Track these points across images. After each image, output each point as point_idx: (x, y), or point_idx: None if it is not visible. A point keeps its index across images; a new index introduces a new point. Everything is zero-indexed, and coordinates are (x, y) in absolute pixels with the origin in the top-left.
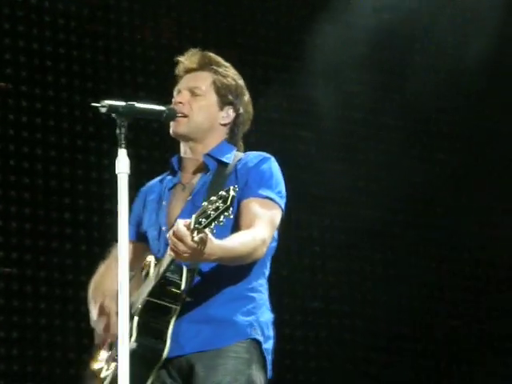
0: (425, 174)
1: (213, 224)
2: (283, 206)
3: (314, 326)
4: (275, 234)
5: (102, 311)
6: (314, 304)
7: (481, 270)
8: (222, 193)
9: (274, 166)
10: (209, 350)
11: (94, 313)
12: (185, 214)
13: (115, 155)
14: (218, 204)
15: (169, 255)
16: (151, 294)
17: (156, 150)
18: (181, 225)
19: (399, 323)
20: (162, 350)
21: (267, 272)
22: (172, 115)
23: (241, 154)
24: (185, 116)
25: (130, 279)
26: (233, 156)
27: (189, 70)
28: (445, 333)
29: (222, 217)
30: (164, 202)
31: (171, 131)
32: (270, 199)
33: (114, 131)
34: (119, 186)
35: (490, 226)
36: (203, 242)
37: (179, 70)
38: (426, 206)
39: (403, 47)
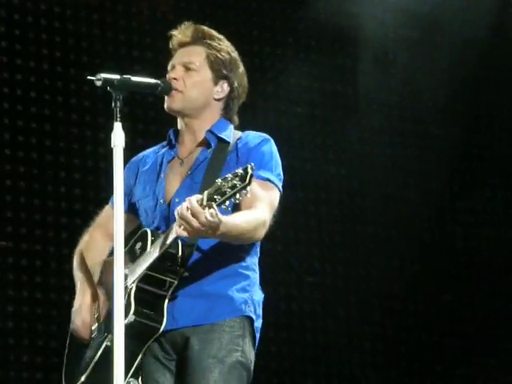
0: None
1: (227, 202)
2: (281, 188)
3: (310, 300)
4: None
5: (83, 302)
6: (309, 279)
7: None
8: (240, 171)
9: (273, 148)
10: (204, 325)
11: (78, 289)
12: (183, 189)
13: (111, 129)
14: (234, 182)
15: (174, 231)
16: (151, 267)
17: (152, 124)
18: (194, 201)
19: (394, 298)
20: (160, 323)
21: (258, 251)
22: (167, 89)
23: (239, 133)
24: (179, 91)
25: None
26: (231, 133)
27: (182, 44)
28: (441, 307)
29: (238, 195)
30: (162, 175)
31: (166, 107)
32: (270, 181)
33: (110, 105)
34: (114, 159)
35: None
36: (214, 218)
37: (173, 44)
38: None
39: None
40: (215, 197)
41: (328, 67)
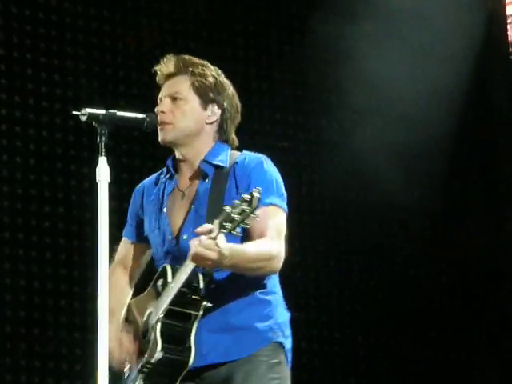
0: None
1: (238, 229)
2: (286, 209)
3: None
4: None
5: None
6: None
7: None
8: (246, 195)
9: (272, 168)
10: (240, 359)
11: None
12: (189, 224)
13: (95, 164)
14: (242, 207)
15: (190, 263)
16: (173, 302)
17: (137, 159)
18: (205, 232)
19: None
20: (188, 357)
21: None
22: (153, 123)
23: (236, 154)
24: (169, 124)
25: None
26: (228, 157)
27: (167, 77)
28: (448, 308)
29: (248, 219)
30: (164, 209)
31: (159, 140)
32: (274, 205)
33: (95, 140)
34: (99, 194)
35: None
36: (219, 243)
37: (159, 79)
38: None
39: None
40: (225, 224)
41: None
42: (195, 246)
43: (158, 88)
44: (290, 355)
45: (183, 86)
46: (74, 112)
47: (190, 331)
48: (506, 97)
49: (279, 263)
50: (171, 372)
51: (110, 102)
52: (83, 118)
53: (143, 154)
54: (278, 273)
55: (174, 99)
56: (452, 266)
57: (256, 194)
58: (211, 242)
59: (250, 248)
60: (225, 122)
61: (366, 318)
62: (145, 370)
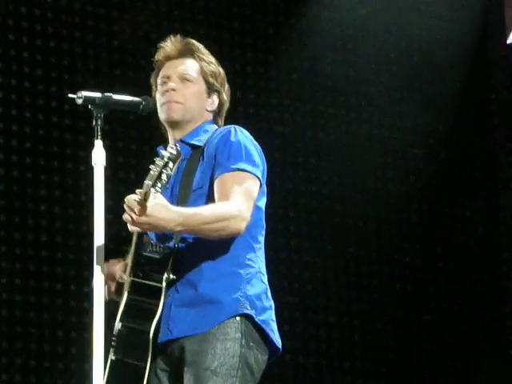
0: None
1: (159, 184)
2: (259, 174)
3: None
4: (263, 203)
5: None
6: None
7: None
8: (162, 151)
9: (240, 135)
10: (196, 335)
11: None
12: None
13: (91, 147)
14: (157, 162)
15: (134, 231)
16: (133, 274)
17: (132, 143)
18: (131, 196)
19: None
20: (149, 327)
21: (259, 245)
22: (149, 106)
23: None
24: (179, 103)
25: None
26: (206, 135)
27: (172, 57)
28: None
29: (164, 175)
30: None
31: (164, 117)
32: (242, 170)
33: (91, 123)
34: (95, 178)
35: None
36: (149, 201)
37: (161, 56)
38: None
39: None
40: (146, 182)
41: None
42: (125, 213)
43: (158, 66)
44: (270, 326)
45: (193, 68)
46: (69, 95)
47: (156, 305)
48: (505, 84)
49: (241, 223)
50: (138, 344)
51: (105, 86)
52: (79, 101)
53: (139, 137)
54: (240, 234)
55: (183, 79)
56: (451, 254)
57: (169, 149)
58: (134, 204)
59: (205, 209)
60: (218, 113)
61: (365, 305)
62: (112, 343)
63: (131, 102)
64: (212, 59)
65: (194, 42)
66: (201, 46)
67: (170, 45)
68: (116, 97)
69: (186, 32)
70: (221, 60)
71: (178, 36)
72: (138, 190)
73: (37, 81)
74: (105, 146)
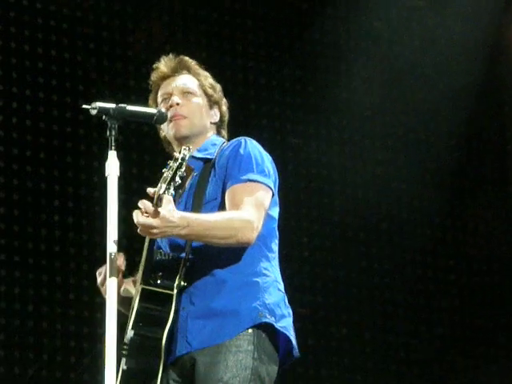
0: None
1: (171, 187)
2: (271, 184)
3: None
4: (276, 212)
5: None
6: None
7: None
8: (175, 154)
9: (251, 146)
10: (211, 346)
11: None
12: None
13: (105, 158)
14: (171, 165)
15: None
16: (144, 281)
17: (146, 154)
18: (143, 201)
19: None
20: (161, 335)
21: (273, 254)
22: (163, 118)
23: (226, 145)
24: (184, 117)
25: None
26: (218, 149)
27: (168, 76)
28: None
29: (176, 177)
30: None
31: (172, 133)
32: (253, 181)
33: (105, 134)
34: (109, 188)
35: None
36: (163, 205)
37: (157, 76)
38: None
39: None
40: (159, 186)
41: None
42: (135, 216)
43: (154, 87)
44: (288, 333)
45: (192, 82)
46: (84, 106)
47: (167, 313)
48: None
49: (251, 233)
50: (150, 351)
51: (120, 97)
52: (93, 112)
53: (153, 148)
54: (250, 243)
55: (185, 94)
56: (466, 261)
57: (182, 151)
58: (150, 208)
59: (212, 216)
60: (221, 124)
61: (376, 315)
62: (123, 352)
63: (145, 113)
64: (207, 73)
65: (187, 58)
66: (194, 62)
67: (164, 64)
68: (130, 108)
69: (200, 44)
70: (233, 71)
71: (170, 55)
72: (149, 189)
73: (52, 91)
74: (119, 157)
